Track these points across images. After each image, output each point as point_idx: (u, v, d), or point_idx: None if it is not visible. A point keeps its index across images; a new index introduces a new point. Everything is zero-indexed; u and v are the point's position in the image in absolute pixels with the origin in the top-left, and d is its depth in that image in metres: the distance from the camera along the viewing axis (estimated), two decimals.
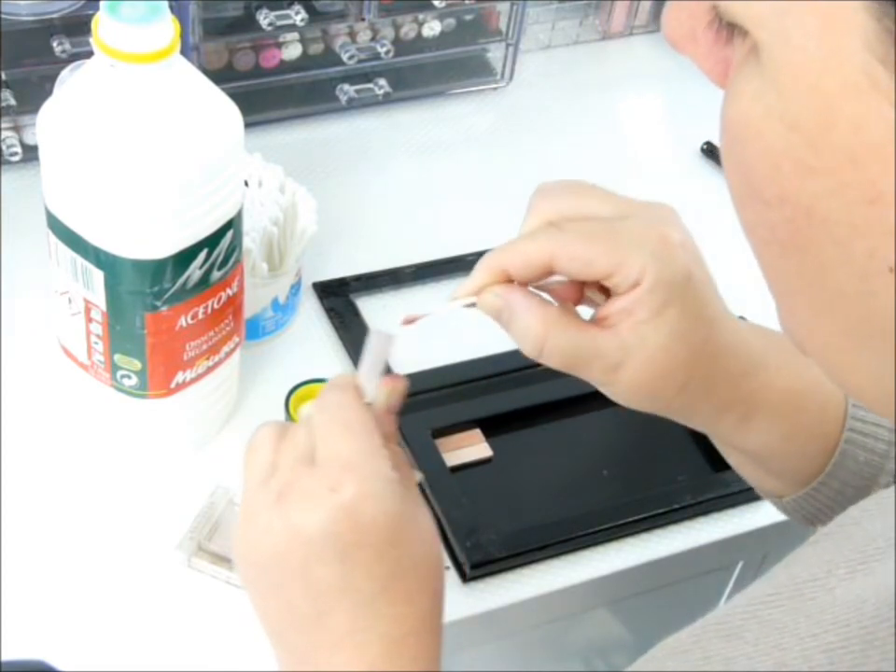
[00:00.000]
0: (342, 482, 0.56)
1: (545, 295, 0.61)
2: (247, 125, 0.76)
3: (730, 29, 0.39)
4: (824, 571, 0.45)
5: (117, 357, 0.78)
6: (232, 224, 0.76)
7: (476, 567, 0.82)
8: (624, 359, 0.58)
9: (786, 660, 0.42)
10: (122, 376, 0.79)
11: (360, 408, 0.60)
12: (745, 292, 1.00)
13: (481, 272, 0.60)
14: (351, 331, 0.96)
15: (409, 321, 0.61)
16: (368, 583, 0.56)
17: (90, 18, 0.70)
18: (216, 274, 0.77)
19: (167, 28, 0.69)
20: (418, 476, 0.64)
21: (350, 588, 0.56)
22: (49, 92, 0.75)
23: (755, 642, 0.44)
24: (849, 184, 0.36)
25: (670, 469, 0.90)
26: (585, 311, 0.62)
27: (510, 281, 0.60)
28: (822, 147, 0.37)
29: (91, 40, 0.69)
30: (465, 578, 0.82)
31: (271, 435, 0.60)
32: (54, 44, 1.00)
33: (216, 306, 0.78)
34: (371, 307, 0.98)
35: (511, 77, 1.21)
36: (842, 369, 0.43)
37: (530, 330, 0.59)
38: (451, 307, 0.61)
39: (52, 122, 0.72)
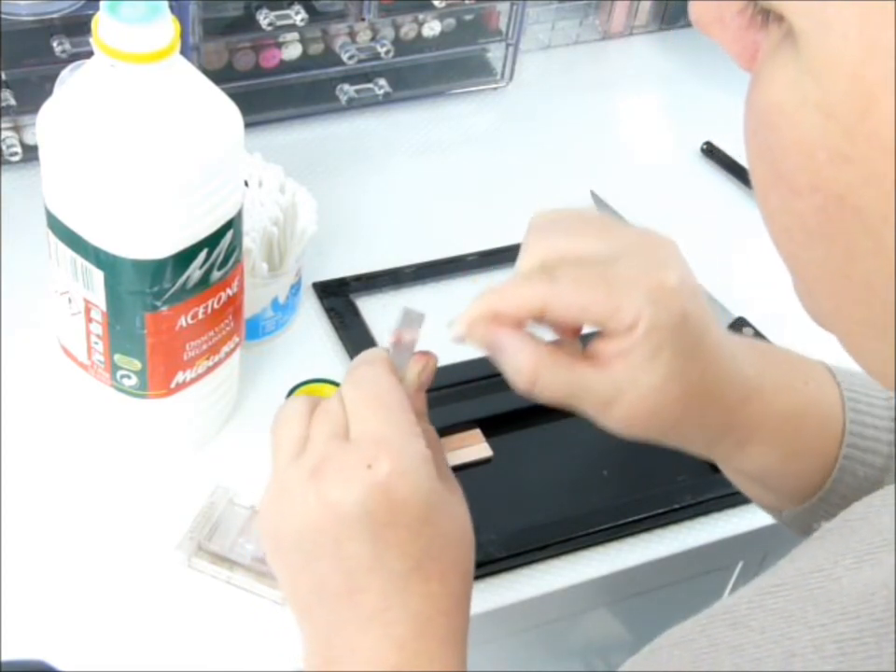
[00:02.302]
0: (377, 458, 0.56)
1: (541, 330, 0.61)
2: (247, 125, 0.76)
3: (764, 14, 0.39)
4: (830, 562, 0.44)
5: (117, 357, 0.78)
6: (232, 224, 0.76)
7: (476, 566, 0.82)
8: (616, 398, 0.59)
9: (795, 649, 0.42)
10: (122, 376, 0.79)
11: (393, 383, 0.60)
12: (744, 292, 1.00)
13: (474, 310, 0.59)
14: (351, 331, 0.96)
15: (397, 341, 0.62)
16: (400, 562, 0.56)
17: (90, 18, 0.70)
18: (216, 274, 0.77)
19: (167, 28, 0.69)
20: None
21: (382, 567, 0.56)
22: (49, 92, 0.75)
23: (762, 630, 0.44)
24: (884, 174, 0.36)
25: (670, 469, 0.90)
26: None
27: None
28: (859, 136, 0.36)
29: (91, 40, 0.69)
30: None
31: (301, 409, 0.60)
32: (54, 44, 1.00)
33: (216, 306, 0.78)
34: (370, 307, 0.98)
35: (510, 77, 1.21)
36: (863, 353, 0.42)
37: (520, 369, 0.59)
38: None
39: (52, 122, 0.72)
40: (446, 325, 0.60)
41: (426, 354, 0.62)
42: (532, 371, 0.59)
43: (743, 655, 0.43)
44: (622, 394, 0.58)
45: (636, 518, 0.86)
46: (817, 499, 0.66)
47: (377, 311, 0.98)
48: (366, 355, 0.62)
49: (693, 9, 0.42)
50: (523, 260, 0.61)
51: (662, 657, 0.47)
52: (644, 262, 0.59)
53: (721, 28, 0.41)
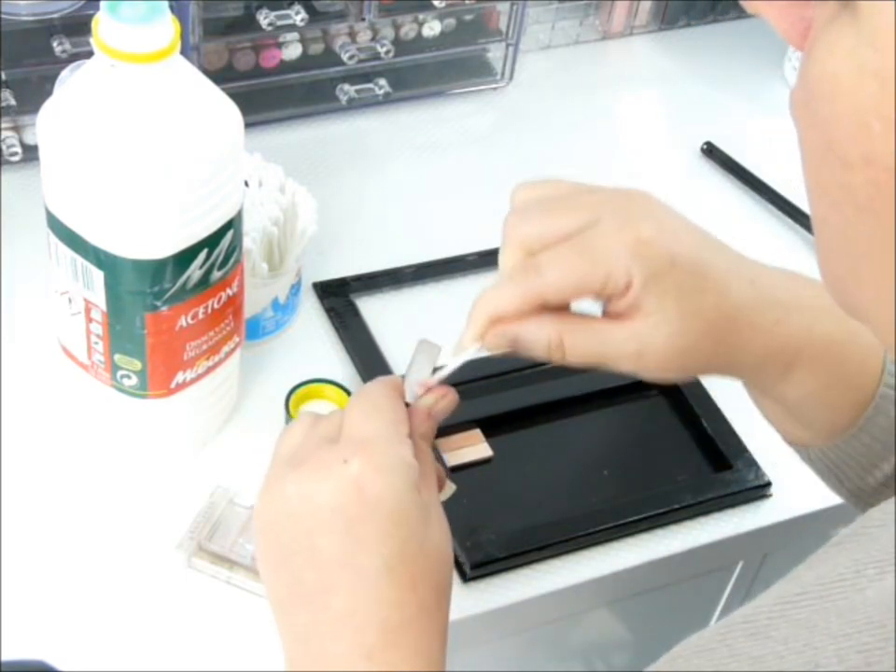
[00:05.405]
0: (354, 454, 0.57)
1: None
2: (247, 125, 0.76)
3: None
4: (852, 571, 0.44)
5: (117, 357, 0.78)
6: (232, 224, 0.76)
7: (476, 567, 0.82)
8: (643, 348, 0.60)
9: (818, 659, 0.41)
10: (122, 376, 0.79)
11: (393, 397, 0.61)
12: None
13: (477, 321, 0.61)
14: (351, 331, 0.96)
15: (426, 389, 0.64)
16: (371, 561, 0.56)
17: (90, 18, 0.70)
18: (216, 274, 0.77)
19: (167, 28, 0.69)
20: (452, 488, 0.65)
21: (352, 564, 0.57)
22: (49, 92, 0.75)
23: (784, 641, 0.43)
24: None
25: (670, 469, 0.90)
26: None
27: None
28: None
29: (91, 40, 0.69)
30: (465, 578, 0.82)
31: (304, 423, 0.62)
32: (54, 44, 1.00)
33: (216, 306, 0.78)
34: (371, 307, 0.98)
35: (510, 77, 1.21)
36: None
37: (548, 343, 0.60)
38: (459, 361, 0.62)
39: (52, 122, 0.72)
40: (451, 352, 0.62)
41: (448, 388, 0.64)
42: (559, 339, 0.60)
43: (765, 665, 0.43)
44: (646, 344, 0.60)
45: (636, 518, 0.86)
46: (848, 436, 0.67)
47: (377, 311, 0.98)
48: (380, 377, 0.64)
49: None
50: (505, 252, 0.62)
51: (681, 666, 0.47)
52: (618, 222, 0.60)
53: (770, 4, 0.41)
